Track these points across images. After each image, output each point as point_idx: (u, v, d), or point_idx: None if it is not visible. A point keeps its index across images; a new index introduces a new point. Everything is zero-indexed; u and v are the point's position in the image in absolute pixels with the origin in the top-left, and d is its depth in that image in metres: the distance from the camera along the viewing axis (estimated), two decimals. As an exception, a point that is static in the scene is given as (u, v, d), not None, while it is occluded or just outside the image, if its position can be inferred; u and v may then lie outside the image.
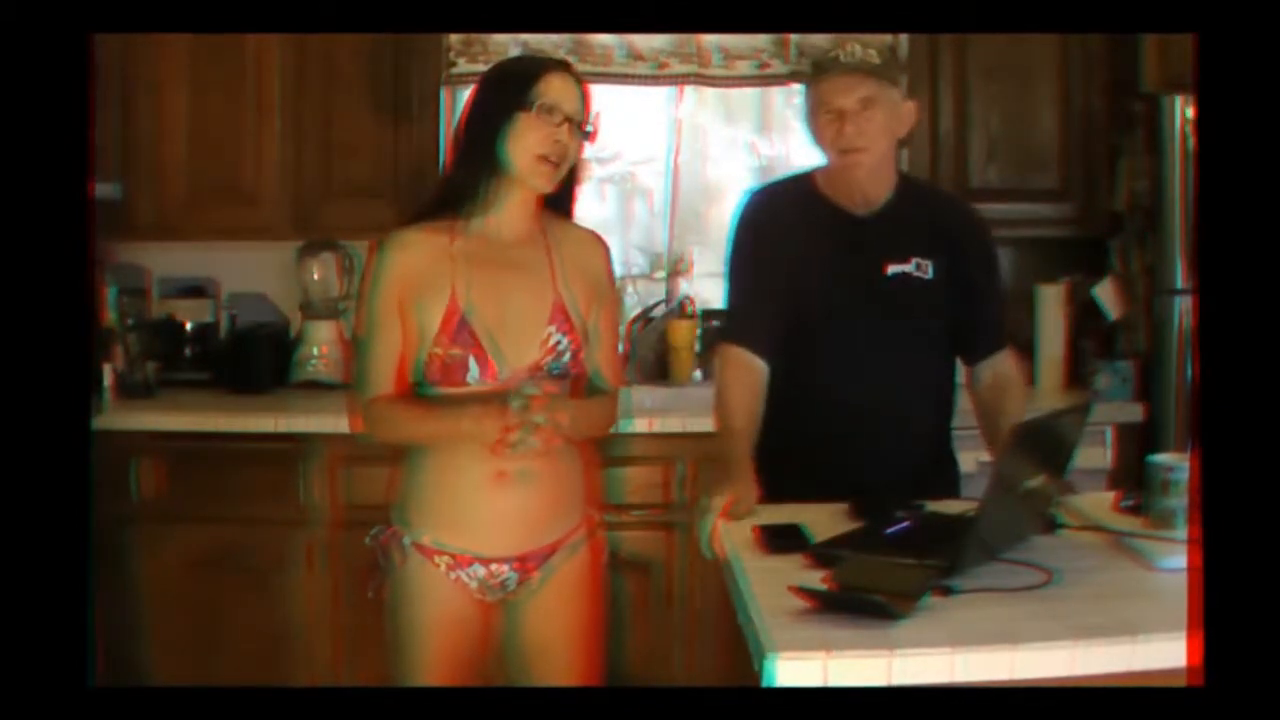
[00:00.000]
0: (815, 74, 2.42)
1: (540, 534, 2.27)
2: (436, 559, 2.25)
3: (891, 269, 2.44)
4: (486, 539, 2.24)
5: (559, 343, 2.24)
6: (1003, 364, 2.52)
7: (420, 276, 2.22)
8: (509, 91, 2.21)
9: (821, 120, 2.39)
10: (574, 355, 2.25)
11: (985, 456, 2.46)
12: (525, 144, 2.19)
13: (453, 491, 2.24)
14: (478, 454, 2.19)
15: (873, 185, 2.44)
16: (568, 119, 2.20)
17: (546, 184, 2.23)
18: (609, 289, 2.38)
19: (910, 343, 2.46)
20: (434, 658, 2.25)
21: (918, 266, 2.45)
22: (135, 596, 3.42)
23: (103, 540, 3.23)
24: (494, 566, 2.25)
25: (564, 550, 2.30)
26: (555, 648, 2.32)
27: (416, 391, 2.25)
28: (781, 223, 2.49)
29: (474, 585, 2.25)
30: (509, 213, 2.26)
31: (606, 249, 2.39)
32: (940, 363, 2.53)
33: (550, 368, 2.23)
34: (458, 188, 2.25)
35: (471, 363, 2.19)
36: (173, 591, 3.42)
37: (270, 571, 3.42)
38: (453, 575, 2.25)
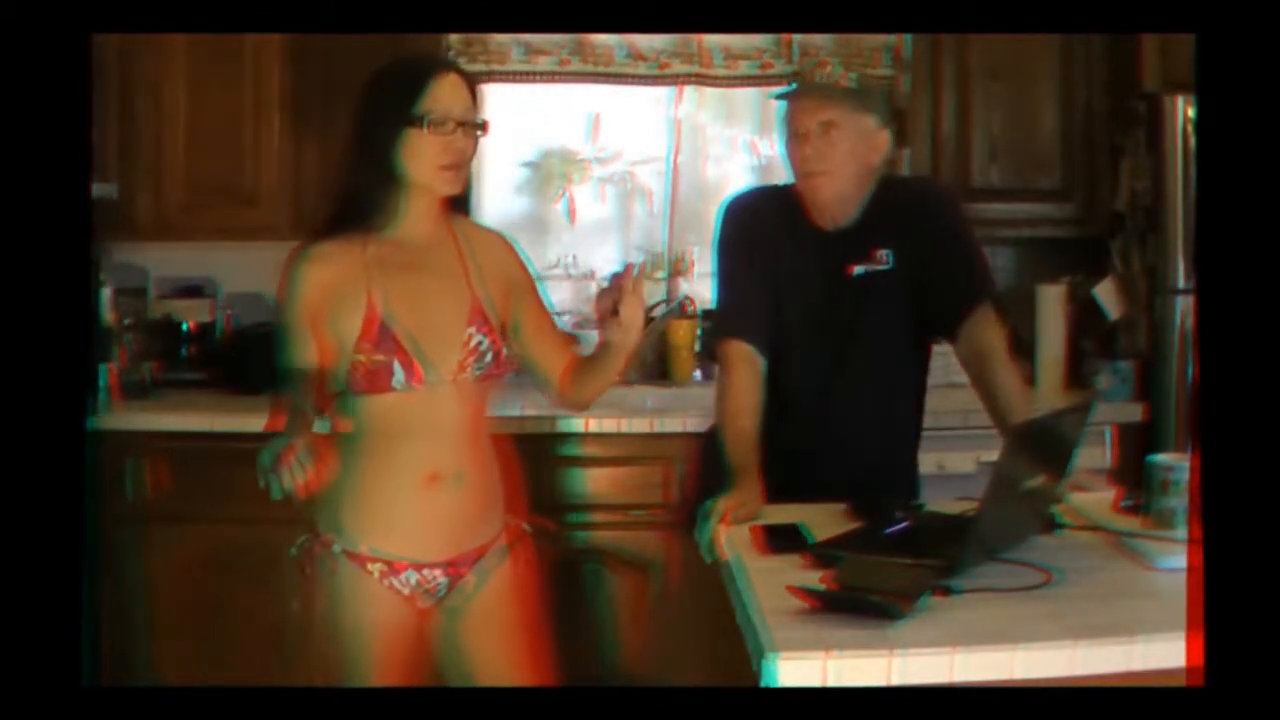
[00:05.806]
0: (784, 95, 2.43)
1: (469, 537, 2.26)
2: (370, 566, 2.22)
3: (855, 270, 2.45)
4: (420, 544, 2.22)
5: (480, 343, 2.23)
6: (978, 333, 2.44)
7: (333, 290, 2.20)
8: (397, 106, 2.20)
9: (788, 141, 2.42)
10: (495, 355, 2.24)
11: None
12: (424, 158, 2.19)
13: (386, 496, 2.21)
14: (410, 458, 2.19)
15: (839, 206, 2.44)
16: (460, 123, 2.20)
17: (453, 189, 2.24)
18: (525, 280, 2.37)
19: (877, 341, 2.46)
20: (375, 665, 2.23)
21: (877, 259, 2.45)
22: (134, 596, 3.41)
23: (102, 540, 3.25)
24: (426, 571, 2.23)
25: (494, 553, 2.29)
26: (495, 651, 2.30)
27: (339, 400, 2.23)
28: (761, 226, 2.51)
29: (407, 591, 2.23)
30: (417, 218, 2.25)
31: (512, 245, 2.39)
32: (909, 365, 2.54)
33: (474, 369, 2.22)
34: (361, 201, 2.23)
35: (396, 367, 2.17)
36: (172, 591, 3.42)
37: (270, 571, 3.42)
38: (386, 582, 2.22)
